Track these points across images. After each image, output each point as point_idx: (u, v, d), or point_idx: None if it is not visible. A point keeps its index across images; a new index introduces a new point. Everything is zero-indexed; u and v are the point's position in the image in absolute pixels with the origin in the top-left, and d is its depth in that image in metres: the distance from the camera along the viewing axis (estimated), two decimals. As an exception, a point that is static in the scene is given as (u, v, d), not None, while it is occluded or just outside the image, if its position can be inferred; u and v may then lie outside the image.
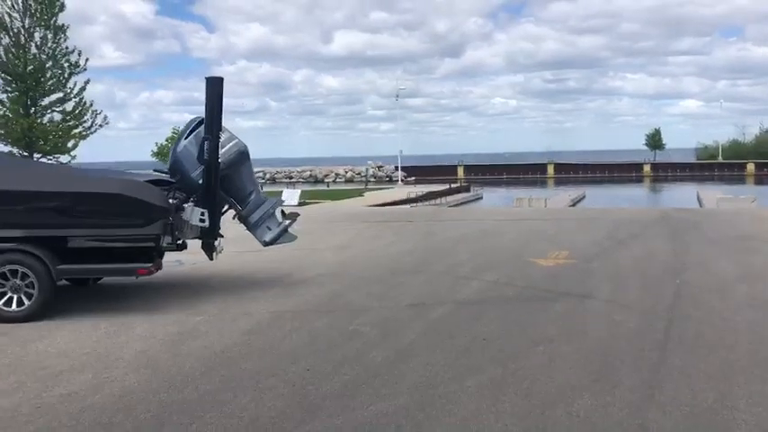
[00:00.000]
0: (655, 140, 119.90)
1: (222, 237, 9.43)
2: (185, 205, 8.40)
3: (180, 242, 9.05)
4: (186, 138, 8.77)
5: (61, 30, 26.42)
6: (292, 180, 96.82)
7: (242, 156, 8.99)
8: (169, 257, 9.91)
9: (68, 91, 26.73)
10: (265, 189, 71.59)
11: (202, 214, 8.34)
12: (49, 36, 26.23)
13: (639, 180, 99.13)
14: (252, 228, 9.19)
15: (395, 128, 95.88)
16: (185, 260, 10.91)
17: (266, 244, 9.23)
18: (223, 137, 8.77)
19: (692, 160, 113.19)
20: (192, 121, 8.86)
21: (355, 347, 6.43)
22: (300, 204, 42.98)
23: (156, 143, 51.58)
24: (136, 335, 7.02)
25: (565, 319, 7.47)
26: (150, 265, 7.89)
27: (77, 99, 27.23)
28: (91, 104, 27.09)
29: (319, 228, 19.45)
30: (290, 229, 9.45)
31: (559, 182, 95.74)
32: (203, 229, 8.55)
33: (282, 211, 9.45)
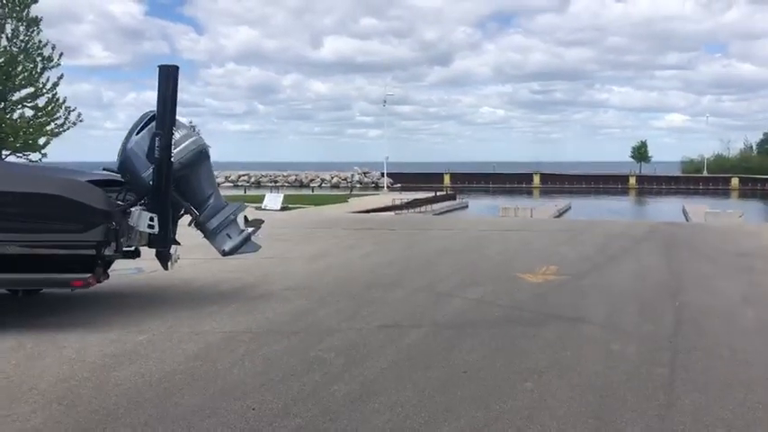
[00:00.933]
0: (641, 153, 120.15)
1: (178, 244, 8.51)
2: (133, 209, 7.47)
3: (132, 249, 8.13)
4: (138, 133, 7.83)
5: (34, 22, 25.33)
6: (277, 184, 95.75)
7: (200, 155, 8.07)
8: (127, 264, 8.99)
9: (40, 86, 25.62)
10: (249, 192, 70.76)
11: (151, 219, 7.42)
12: (21, 29, 25.13)
13: (625, 192, 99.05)
14: (210, 235, 8.26)
15: (383, 134, 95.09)
16: (146, 267, 9.97)
17: (225, 254, 8.30)
18: (179, 134, 7.86)
19: (678, 173, 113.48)
20: (145, 115, 7.92)
21: (314, 379, 5.53)
22: (283, 209, 42.01)
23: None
24: (63, 357, 6.08)
25: (556, 347, 6.62)
26: (88, 276, 6.94)
27: (51, 95, 26.14)
28: (64, 101, 26.00)
29: (296, 234, 18.55)
30: (254, 238, 8.53)
31: (545, 192, 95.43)
32: (152, 237, 7.61)
33: (245, 218, 8.54)
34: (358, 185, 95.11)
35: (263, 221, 8.80)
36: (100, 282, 7.27)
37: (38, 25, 25.39)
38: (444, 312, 8.11)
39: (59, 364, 5.87)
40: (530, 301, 8.93)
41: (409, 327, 7.35)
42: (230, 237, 8.23)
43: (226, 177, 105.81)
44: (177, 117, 7.93)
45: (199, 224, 8.21)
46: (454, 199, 64.36)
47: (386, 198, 52.36)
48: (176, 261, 8.54)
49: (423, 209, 47.11)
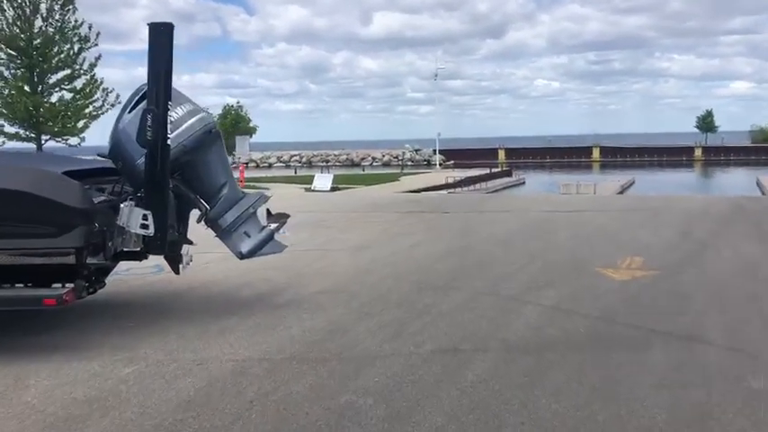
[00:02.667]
0: (706, 123, 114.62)
1: (190, 243, 7.05)
2: (122, 205, 6.01)
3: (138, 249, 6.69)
4: (131, 110, 6.35)
5: (69, 1, 24.37)
6: (329, 164, 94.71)
7: (210, 136, 6.54)
8: (146, 262, 7.53)
9: (77, 68, 24.71)
10: (300, 173, 69.98)
11: (144, 218, 5.93)
12: (56, 8, 24.20)
13: (690, 164, 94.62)
14: (223, 234, 6.74)
15: (434, 110, 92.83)
16: (167, 265, 8.58)
17: (243, 256, 6.77)
18: (180, 110, 6.35)
19: (746, 143, 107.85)
20: (140, 88, 6.42)
21: (342, 446, 3.97)
22: (332, 190, 40.67)
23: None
24: (20, 404, 4.68)
25: (674, 386, 4.87)
26: (63, 292, 5.51)
27: (89, 76, 25.25)
28: (101, 82, 25.06)
29: (341, 219, 17.04)
30: (279, 235, 6.99)
31: (605, 166, 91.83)
32: (148, 239, 6.13)
33: (268, 211, 6.99)
34: (410, 163, 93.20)
35: (289, 216, 7.21)
36: (83, 297, 5.86)
37: (73, 3, 24.43)
38: (515, 328, 6.43)
39: (8, 419, 4.45)
40: (620, 308, 7.16)
41: (472, 351, 5.70)
42: (248, 235, 6.69)
43: (278, 158, 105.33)
44: (178, 89, 6.44)
45: (209, 220, 6.70)
46: (510, 175, 62.00)
47: (438, 176, 50.48)
48: (189, 264, 7.09)
49: (477, 187, 45.13)
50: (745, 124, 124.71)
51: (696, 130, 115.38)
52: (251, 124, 49.40)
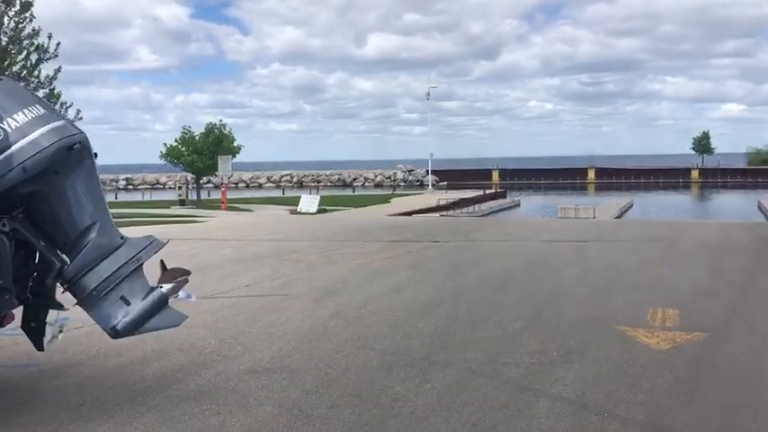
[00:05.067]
0: (703, 144, 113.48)
1: (61, 308, 4.88)
2: None
3: None
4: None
5: (25, 7, 22.33)
6: (320, 184, 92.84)
7: (71, 155, 4.40)
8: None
9: (33, 80, 22.60)
10: (288, 194, 67.98)
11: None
12: (10, 14, 22.14)
13: (687, 186, 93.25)
14: (88, 301, 4.54)
15: (428, 131, 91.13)
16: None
17: (117, 333, 4.53)
18: (25, 115, 4.24)
19: (743, 165, 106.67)
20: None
21: None
22: (319, 212, 38.65)
23: (165, 143, 47.68)
24: None
25: None
26: None
27: (48, 89, 23.14)
28: (59, 95, 22.94)
29: (316, 249, 14.91)
30: (175, 301, 4.80)
31: (600, 188, 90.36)
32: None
33: (163, 265, 4.82)
34: (402, 184, 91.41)
35: (189, 273, 5.00)
36: None
37: (29, 10, 22.38)
38: (525, 447, 4.26)
39: None
40: (673, 403, 4.99)
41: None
42: (127, 302, 4.49)
43: (268, 178, 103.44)
44: (27, 89, 4.32)
45: (67, 280, 4.52)
46: (504, 197, 60.17)
47: (430, 198, 48.54)
48: (58, 336, 4.92)
49: (470, 209, 43.19)
50: (738, 146, 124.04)
51: (692, 151, 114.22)
52: (234, 143, 47.25)
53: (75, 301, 4.65)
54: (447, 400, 5.02)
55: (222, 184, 43.90)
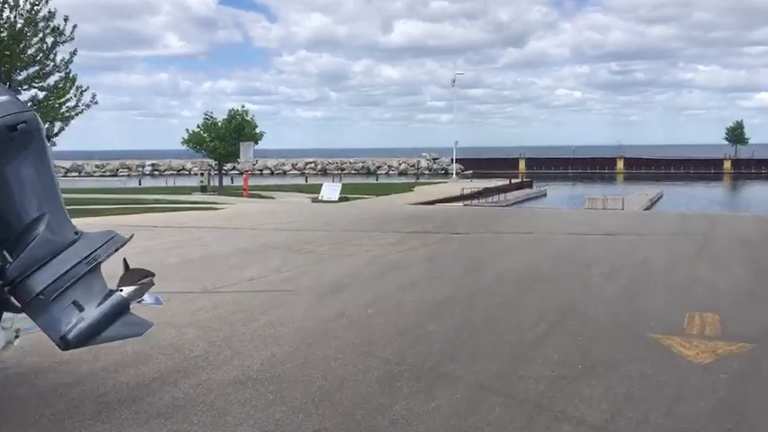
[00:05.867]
0: (736, 134, 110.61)
1: (17, 312, 4.28)
2: None
3: None
4: None
5: (41, -14, 21.86)
6: (344, 172, 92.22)
7: (13, 137, 3.79)
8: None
9: (49, 63, 22.20)
10: (310, 181, 67.62)
11: None
12: (26, -6, 21.68)
13: (719, 177, 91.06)
14: (34, 305, 3.92)
15: (454, 119, 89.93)
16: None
17: (68, 344, 3.89)
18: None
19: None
20: None
21: None
22: (340, 200, 38.06)
23: (187, 129, 47.34)
24: None
25: None
26: None
27: (64, 72, 22.72)
28: (74, 78, 22.51)
29: (330, 240, 14.30)
30: (137, 306, 4.16)
31: (629, 178, 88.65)
32: None
33: (125, 264, 4.19)
34: (426, 172, 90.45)
35: (154, 275, 4.35)
36: None
37: (45, -11, 21.89)
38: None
39: None
40: (718, 430, 4.28)
41: None
42: (81, 308, 3.88)
43: (293, 165, 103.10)
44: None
45: (9, 283, 3.91)
46: (531, 187, 59.01)
47: (454, 186, 47.66)
48: (13, 342, 4.35)
49: (495, 198, 42.26)
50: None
51: (725, 141, 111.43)
52: (257, 130, 46.79)
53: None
54: (453, 424, 4.34)
55: (245, 171, 43.57)
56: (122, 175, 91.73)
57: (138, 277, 4.07)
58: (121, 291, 3.98)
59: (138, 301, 4.05)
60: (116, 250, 4.08)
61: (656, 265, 10.96)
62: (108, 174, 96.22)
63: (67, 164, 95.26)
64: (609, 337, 6.45)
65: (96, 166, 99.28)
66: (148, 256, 12.13)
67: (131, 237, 4.26)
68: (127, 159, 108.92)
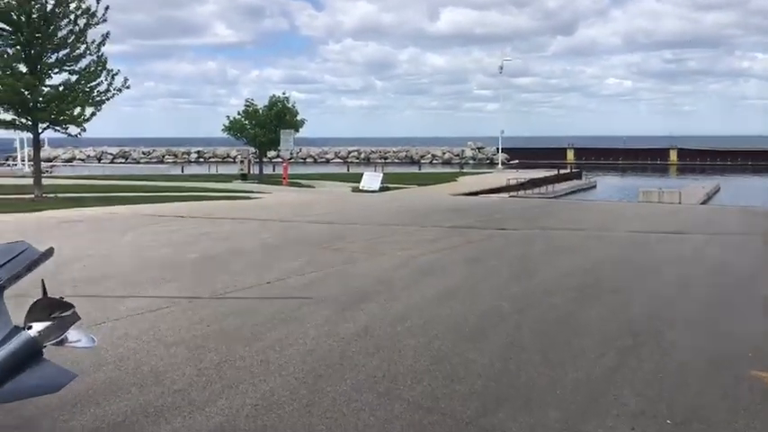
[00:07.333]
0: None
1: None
2: None
3: None
4: None
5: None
6: (386, 161, 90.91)
7: None
8: None
9: (80, 46, 21.49)
10: (352, 170, 66.62)
11: None
12: (56, -26, 21.00)
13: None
14: None
15: (501, 108, 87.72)
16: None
17: None
18: None
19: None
20: None
21: None
22: (382, 190, 36.85)
23: (228, 117, 46.62)
24: None
25: None
26: None
27: (97, 56, 22.00)
28: (105, 61, 21.75)
29: (365, 236, 13.13)
30: (54, 349, 3.01)
31: (682, 169, 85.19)
32: None
33: (44, 290, 3.04)
34: (471, 162, 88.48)
35: (74, 306, 3.17)
36: None
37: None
38: None
39: None
40: None
41: None
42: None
43: (336, 153, 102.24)
44: None
45: None
46: (580, 178, 56.79)
47: (500, 177, 45.96)
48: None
49: (542, 190, 40.46)
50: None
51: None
52: (298, 118, 45.84)
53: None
54: None
55: (287, 159, 42.68)
56: (168, 162, 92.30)
57: (56, 308, 2.91)
58: (29, 328, 2.83)
59: (58, 343, 2.90)
60: (27, 270, 2.95)
61: (738, 273, 9.46)
62: (154, 160, 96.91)
63: (115, 150, 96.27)
64: (698, 375, 5.10)
65: (143, 153, 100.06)
66: (167, 250, 11.17)
67: (51, 251, 3.12)
68: (173, 147, 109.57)
